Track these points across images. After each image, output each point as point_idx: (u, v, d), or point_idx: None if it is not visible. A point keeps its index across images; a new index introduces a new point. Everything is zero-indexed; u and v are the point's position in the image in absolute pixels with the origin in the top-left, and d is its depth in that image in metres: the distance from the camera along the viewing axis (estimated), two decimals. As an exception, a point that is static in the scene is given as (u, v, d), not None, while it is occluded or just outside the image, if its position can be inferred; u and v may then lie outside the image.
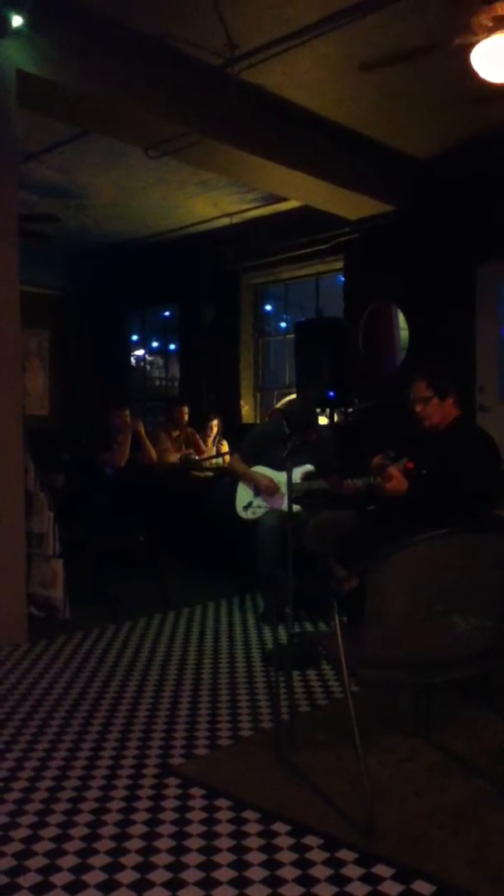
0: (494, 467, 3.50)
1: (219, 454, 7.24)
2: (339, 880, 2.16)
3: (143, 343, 10.11)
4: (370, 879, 2.17)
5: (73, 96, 4.49)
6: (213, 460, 7.16)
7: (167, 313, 9.61)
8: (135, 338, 10.07)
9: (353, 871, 2.21)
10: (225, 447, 7.39)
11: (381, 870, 2.21)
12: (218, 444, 7.51)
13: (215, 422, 7.58)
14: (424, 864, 2.21)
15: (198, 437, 7.41)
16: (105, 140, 5.59)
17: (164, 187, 6.87)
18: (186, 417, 7.39)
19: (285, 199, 6.96)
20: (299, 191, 6.20)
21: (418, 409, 3.61)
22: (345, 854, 2.29)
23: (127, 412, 6.05)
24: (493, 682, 3.36)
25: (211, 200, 7.25)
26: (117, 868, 2.24)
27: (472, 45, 3.84)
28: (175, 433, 7.28)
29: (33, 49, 4.13)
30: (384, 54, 4.46)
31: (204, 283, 8.45)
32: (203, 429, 7.52)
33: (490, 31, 3.75)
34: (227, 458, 7.04)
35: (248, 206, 7.44)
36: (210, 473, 6.80)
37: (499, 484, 3.49)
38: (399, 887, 2.13)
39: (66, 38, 4.25)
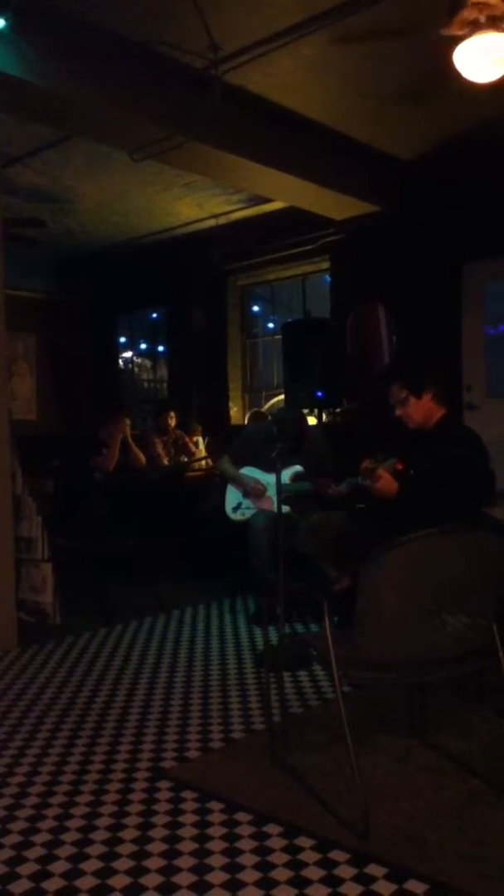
0: (482, 466, 3.51)
1: (203, 457, 7.26)
2: (332, 881, 2.16)
3: (132, 345, 10.09)
4: (363, 879, 2.17)
5: (57, 100, 4.47)
6: (203, 463, 7.17)
7: (155, 315, 9.60)
8: (122, 340, 10.05)
9: (346, 871, 2.21)
10: (202, 451, 7.41)
11: (375, 870, 2.21)
12: (199, 446, 7.54)
13: (196, 425, 7.64)
14: (419, 865, 2.21)
15: (187, 440, 7.41)
16: (89, 143, 5.57)
17: (149, 190, 6.85)
18: (173, 422, 7.40)
19: (271, 201, 6.97)
20: (284, 192, 6.21)
21: (399, 411, 3.61)
22: (338, 855, 2.29)
23: (127, 420, 6.11)
24: (486, 681, 3.37)
25: (196, 202, 7.25)
26: (110, 872, 2.23)
27: (456, 42, 3.86)
28: (164, 438, 7.28)
29: (16, 52, 4.11)
30: (368, 60, 4.48)
31: (191, 285, 8.44)
32: (190, 431, 7.54)
33: (472, 28, 3.76)
34: (207, 461, 7.06)
35: (234, 208, 7.44)
36: (199, 473, 6.82)
37: (487, 482, 3.50)
38: (392, 887, 2.13)
39: (49, 42, 4.23)
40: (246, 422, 7.94)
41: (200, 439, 7.61)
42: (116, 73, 4.52)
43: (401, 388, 3.58)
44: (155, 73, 4.65)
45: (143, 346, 10.09)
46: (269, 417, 5.04)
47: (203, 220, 7.77)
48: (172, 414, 7.42)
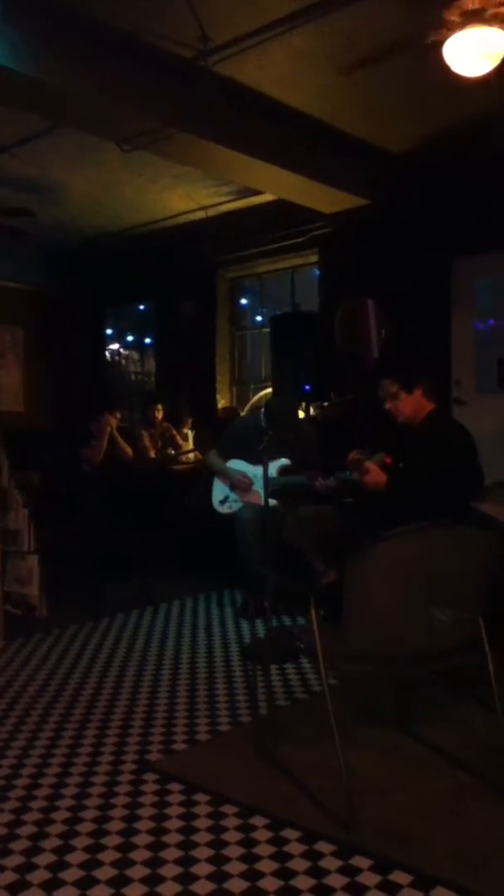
0: (470, 461, 3.52)
1: (190, 450, 7.25)
2: (317, 872, 2.17)
3: (119, 337, 10.06)
4: (348, 871, 2.18)
5: (45, 89, 4.43)
6: (190, 455, 7.16)
7: (142, 307, 9.56)
8: (109, 332, 10.01)
9: (331, 863, 2.22)
10: (190, 444, 7.40)
11: (360, 861, 2.22)
12: (187, 439, 7.52)
13: (185, 417, 7.62)
14: (404, 857, 2.23)
15: (174, 432, 7.40)
16: (78, 133, 5.52)
17: (138, 181, 6.81)
18: (161, 415, 7.39)
19: (260, 193, 6.94)
20: (274, 184, 6.18)
21: (389, 405, 3.62)
22: (323, 847, 2.30)
23: (116, 413, 6.12)
24: (473, 675, 3.38)
25: (185, 194, 7.21)
26: (95, 864, 2.23)
27: (445, 39, 3.85)
28: (151, 431, 7.27)
29: (4, 41, 4.07)
30: (359, 53, 4.47)
31: (180, 278, 8.41)
32: (178, 424, 7.52)
33: (460, 25, 3.76)
34: (193, 454, 7.05)
35: (224, 200, 7.41)
36: (187, 466, 6.81)
37: (475, 477, 3.51)
38: (377, 878, 2.14)
39: (38, 31, 4.20)
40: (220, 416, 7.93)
41: (190, 432, 7.59)
42: (105, 62, 4.48)
43: (392, 383, 3.59)
44: (144, 63, 4.62)
45: (130, 338, 10.05)
46: (263, 410, 5.03)
47: (192, 211, 7.74)
48: (160, 407, 7.41)
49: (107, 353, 10.04)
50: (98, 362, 9.84)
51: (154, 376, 9.40)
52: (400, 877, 2.14)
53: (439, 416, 3.70)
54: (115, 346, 10.09)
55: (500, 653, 2.81)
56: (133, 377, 10.07)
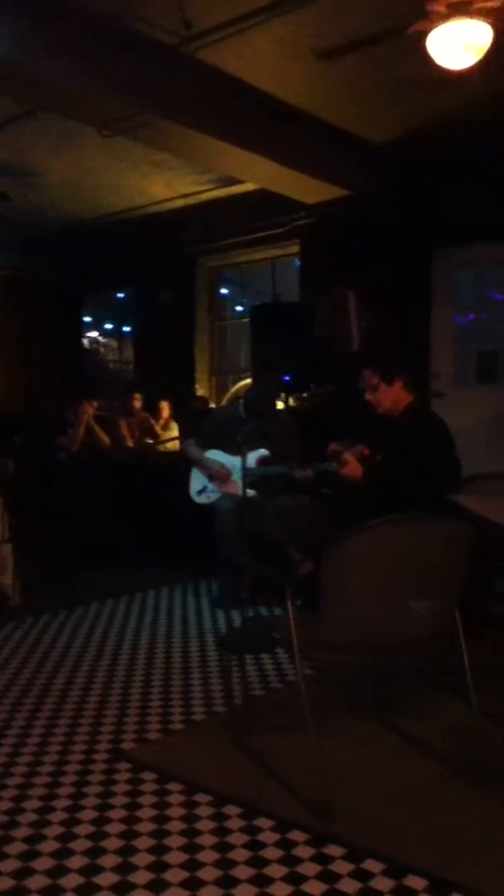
0: (447, 453, 3.54)
1: (168, 439, 7.21)
2: (290, 861, 2.18)
3: (97, 325, 9.99)
4: (321, 859, 2.18)
5: (23, 73, 4.38)
6: (168, 444, 7.13)
7: (121, 295, 9.50)
8: (88, 319, 9.94)
9: (304, 851, 2.22)
10: (175, 431, 7.36)
11: (333, 850, 2.23)
12: (167, 427, 7.48)
13: (164, 405, 7.55)
14: (378, 845, 2.23)
15: (152, 422, 7.37)
16: (57, 118, 5.47)
17: (118, 167, 6.76)
18: (139, 404, 7.36)
19: (241, 182, 6.91)
20: (255, 173, 6.16)
21: (368, 396, 3.65)
22: (297, 835, 2.30)
23: (94, 402, 6.09)
24: (449, 664, 3.41)
25: (166, 181, 7.17)
26: (66, 853, 2.22)
27: (429, 31, 3.85)
28: (129, 420, 7.24)
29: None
30: (342, 43, 4.45)
31: (159, 266, 8.37)
32: (155, 413, 7.48)
33: (445, 17, 3.76)
34: (176, 442, 7.03)
35: (204, 188, 7.37)
36: (163, 456, 6.78)
37: (452, 469, 3.53)
38: (349, 867, 2.15)
39: (17, 15, 4.14)
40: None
41: (164, 418, 7.55)
42: (85, 47, 4.43)
43: (373, 374, 3.62)
44: (125, 48, 4.57)
45: (108, 326, 9.99)
46: (242, 400, 5.02)
47: (172, 199, 7.70)
48: (138, 396, 7.38)
49: (85, 341, 9.97)
50: (76, 350, 9.76)
51: (132, 365, 9.35)
52: (373, 865, 2.15)
53: (418, 409, 3.73)
54: (93, 334, 10.02)
55: (475, 643, 2.83)
56: (111, 365, 10.02)
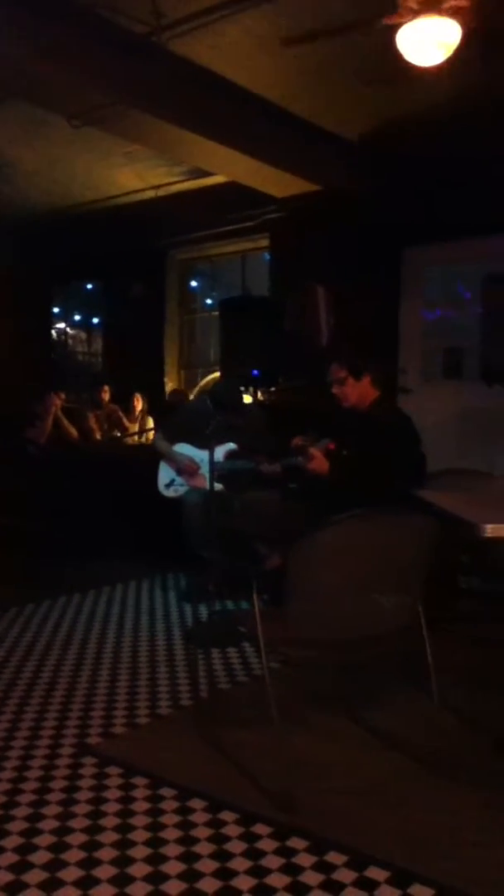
0: (413, 449, 3.57)
1: (142, 431, 7.17)
2: (254, 854, 2.19)
3: (66, 316, 9.89)
4: (285, 852, 2.20)
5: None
6: (137, 437, 7.10)
7: (90, 286, 9.42)
8: (56, 310, 9.84)
9: (268, 844, 2.24)
10: (150, 423, 7.32)
11: (296, 843, 2.24)
12: (142, 420, 7.44)
13: (138, 397, 7.49)
14: (342, 837, 2.26)
15: (120, 414, 7.32)
16: (25, 106, 5.40)
17: (88, 157, 6.69)
18: (108, 397, 7.31)
19: (212, 174, 6.88)
20: (225, 166, 6.13)
21: (335, 390, 3.67)
22: (261, 829, 2.32)
23: (61, 394, 6.04)
24: (414, 659, 3.44)
25: (136, 173, 7.11)
26: (30, 849, 2.21)
27: (399, 26, 3.86)
28: (97, 412, 7.19)
29: None
30: (313, 36, 4.44)
31: (129, 257, 8.30)
32: (127, 406, 7.43)
33: (416, 13, 3.77)
34: (151, 435, 6.98)
35: (175, 180, 7.33)
36: (133, 450, 6.75)
37: (417, 464, 3.56)
38: (312, 859, 2.17)
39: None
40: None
41: (138, 411, 7.49)
42: (55, 35, 4.36)
43: (340, 368, 3.64)
44: (95, 36, 4.51)
45: (77, 317, 9.90)
46: (209, 393, 5.02)
47: (143, 190, 7.64)
48: (106, 388, 7.33)
49: (53, 332, 9.88)
50: (43, 341, 9.67)
51: (101, 357, 9.28)
52: (335, 857, 2.17)
53: (384, 404, 3.75)
54: (61, 326, 9.93)
55: (439, 638, 2.86)
56: (80, 357, 9.93)
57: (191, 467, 4.95)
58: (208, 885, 2.05)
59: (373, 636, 2.74)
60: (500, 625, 3.87)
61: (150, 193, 7.66)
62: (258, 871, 2.11)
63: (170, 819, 2.37)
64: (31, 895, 2.01)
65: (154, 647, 4.01)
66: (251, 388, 6.12)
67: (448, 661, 3.07)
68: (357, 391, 3.64)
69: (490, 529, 2.48)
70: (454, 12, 3.74)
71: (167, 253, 8.25)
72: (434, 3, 3.71)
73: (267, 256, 7.55)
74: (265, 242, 7.46)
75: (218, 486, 4.37)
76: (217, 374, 7.25)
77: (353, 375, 3.62)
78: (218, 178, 7.02)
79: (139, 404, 7.47)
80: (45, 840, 2.26)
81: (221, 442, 4.79)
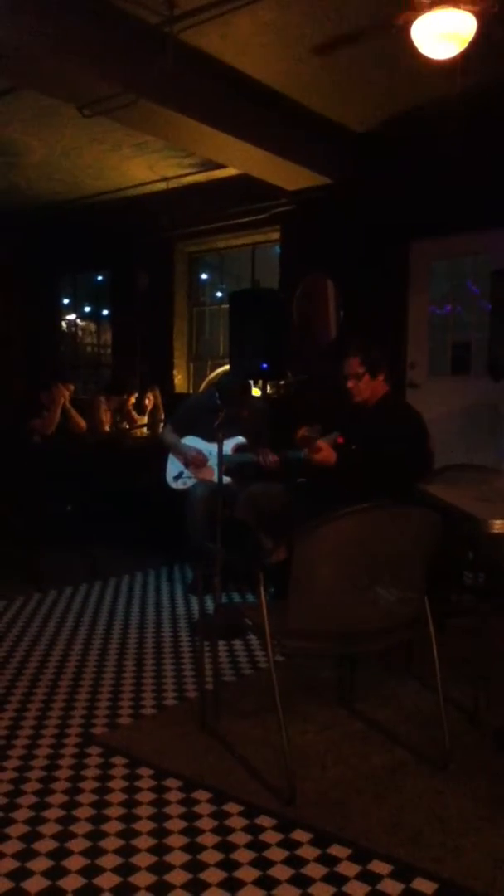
0: (421, 443, 3.56)
1: (151, 424, 7.17)
2: (258, 846, 2.20)
3: (75, 307, 9.89)
4: (288, 844, 2.21)
5: (2, 49, 4.30)
6: (146, 430, 7.10)
7: (100, 278, 9.41)
8: (66, 301, 9.84)
9: (272, 836, 2.25)
10: (162, 416, 7.31)
11: (300, 835, 2.25)
12: (155, 414, 7.42)
13: (150, 396, 7.49)
14: (342, 830, 2.26)
15: (129, 407, 7.30)
16: (36, 96, 5.39)
17: (98, 148, 6.69)
18: (132, 402, 7.24)
19: (223, 167, 6.87)
20: (236, 158, 6.12)
21: (350, 384, 3.67)
22: (264, 821, 2.33)
23: (71, 386, 6.05)
24: (414, 652, 3.45)
25: (147, 164, 7.10)
26: (36, 837, 2.22)
27: (413, 20, 3.84)
28: (111, 400, 7.13)
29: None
30: (326, 30, 4.42)
31: (138, 249, 8.30)
32: (139, 400, 7.42)
33: (430, 6, 3.75)
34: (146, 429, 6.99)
35: (185, 172, 7.32)
36: (141, 442, 6.75)
37: (424, 459, 3.56)
38: (316, 852, 2.17)
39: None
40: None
41: (151, 406, 7.47)
42: (67, 24, 4.36)
43: (360, 364, 3.65)
44: (107, 27, 4.51)
45: (87, 308, 9.90)
46: (215, 386, 5.02)
47: (153, 182, 7.63)
48: (134, 397, 7.23)
49: (63, 323, 9.88)
50: (51, 332, 9.67)
51: (110, 349, 9.28)
52: (338, 850, 2.18)
53: (393, 399, 3.76)
54: (71, 317, 9.93)
55: (442, 632, 2.86)
56: (89, 349, 9.93)
57: (198, 459, 4.95)
58: (212, 875, 2.06)
59: (375, 629, 2.74)
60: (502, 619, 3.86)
61: (160, 185, 7.65)
62: (262, 864, 2.12)
63: (174, 810, 2.38)
64: (36, 883, 2.02)
65: (160, 639, 4.03)
66: (260, 382, 6.11)
67: (451, 655, 3.07)
68: (371, 387, 3.66)
69: (498, 525, 2.47)
70: (468, 3, 3.72)
71: (176, 245, 8.24)
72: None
73: (277, 249, 7.53)
74: (276, 235, 7.45)
75: (226, 479, 4.37)
76: (227, 367, 7.24)
77: (371, 373, 3.64)
78: (228, 171, 7.01)
79: (152, 401, 7.44)
80: (49, 829, 2.27)
81: (230, 435, 4.79)
